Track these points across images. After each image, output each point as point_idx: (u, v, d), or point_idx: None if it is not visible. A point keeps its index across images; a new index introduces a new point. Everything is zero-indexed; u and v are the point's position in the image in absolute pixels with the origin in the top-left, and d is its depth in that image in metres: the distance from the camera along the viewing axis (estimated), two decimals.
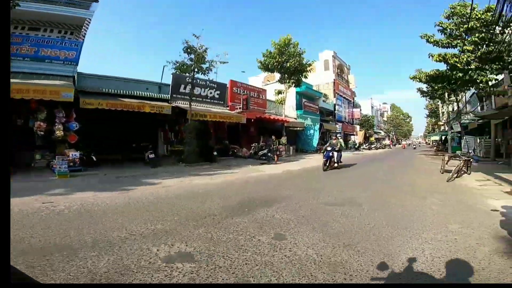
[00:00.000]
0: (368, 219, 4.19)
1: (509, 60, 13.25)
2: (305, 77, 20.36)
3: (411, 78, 18.27)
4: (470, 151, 24.79)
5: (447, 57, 14.74)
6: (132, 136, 12.91)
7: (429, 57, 15.82)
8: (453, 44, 14.94)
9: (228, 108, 17.84)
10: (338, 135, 19.11)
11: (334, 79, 35.02)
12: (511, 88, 14.27)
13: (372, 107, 59.66)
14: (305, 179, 8.78)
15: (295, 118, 25.45)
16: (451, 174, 8.42)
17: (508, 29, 12.97)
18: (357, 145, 34.11)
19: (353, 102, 43.09)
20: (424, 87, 27.30)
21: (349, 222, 4.05)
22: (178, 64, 12.42)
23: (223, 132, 18.17)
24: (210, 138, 15.71)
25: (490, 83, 15.20)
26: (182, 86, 14.71)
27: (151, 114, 11.81)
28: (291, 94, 26.27)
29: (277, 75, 21.63)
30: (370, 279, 2.36)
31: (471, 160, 8.25)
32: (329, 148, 10.98)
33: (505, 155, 15.16)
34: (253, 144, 16.67)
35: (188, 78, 13.78)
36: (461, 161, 8.84)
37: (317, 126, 23.36)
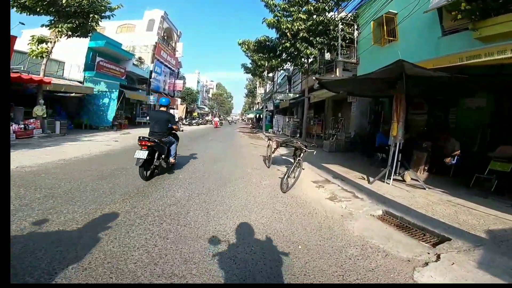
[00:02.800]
0: None
1: (331, 36, 12.79)
2: (97, 23, 12.24)
3: (240, 44, 15.41)
4: (279, 130, 27.37)
5: (281, 21, 12.69)
6: None
7: (262, 22, 13.26)
8: (289, 10, 12.98)
9: None
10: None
11: (157, 42, 27.97)
12: (323, 69, 14.33)
13: (198, 82, 57.51)
14: None
15: (79, 82, 16.74)
16: (284, 177, 5.12)
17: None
18: (176, 119, 29.66)
19: (178, 72, 37.97)
20: (248, 63, 26.77)
21: None
22: None
23: None
24: None
25: (310, 60, 14.67)
26: None
27: None
28: (78, 50, 17.15)
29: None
30: None
31: (305, 149, 5.31)
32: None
33: (305, 134, 15.62)
34: None
35: None
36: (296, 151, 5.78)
37: (115, 94, 16.22)
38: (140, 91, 23.33)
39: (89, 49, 17.50)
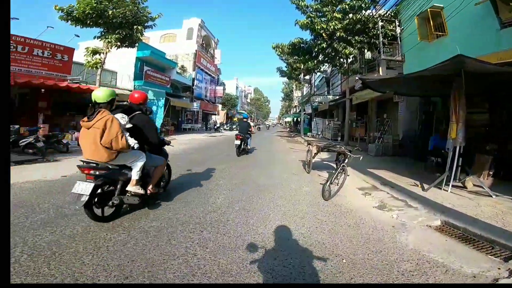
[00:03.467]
0: None
1: (370, 34, 12.13)
2: (141, 33, 13.28)
3: (274, 48, 15.43)
4: (319, 133, 26.58)
5: (315, 21, 12.36)
6: None
7: (295, 24, 13.14)
8: (323, 10, 12.66)
9: None
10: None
11: (197, 50, 29.45)
12: (364, 68, 13.59)
13: (237, 88, 58.97)
14: None
15: (130, 91, 18.24)
16: (326, 183, 4.82)
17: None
18: (218, 125, 30.56)
19: (217, 79, 39.39)
20: (284, 66, 26.66)
21: None
22: None
23: None
24: None
25: (349, 60, 14.08)
26: None
27: None
28: (128, 60, 18.85)
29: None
30: None
31: (350, 154, 4.95)
32: None
33: (347, 137, 14.78)
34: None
35: None
36: (340, 156, 5.45)
37: (162, 102, 17.34)
38: (184, 98, 24.66)
39: (137, 59, 19.06)
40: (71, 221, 3.22)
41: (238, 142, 9.37)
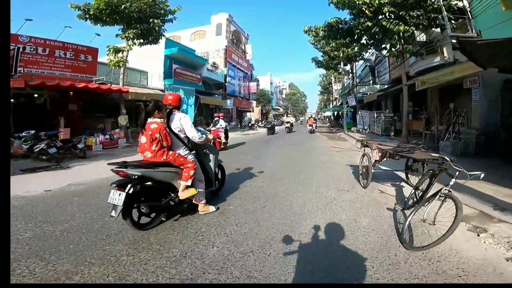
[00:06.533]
0: None
1: (429, 8, 9.48)
2: (159, 27, 12.40)
3: (306, 32, 13.32)
4: (365, 128, 23.56)
5: None
6: None
7: (329, 4, 11.02)
8: None
9: None
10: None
11: (227, 46, 28.42)
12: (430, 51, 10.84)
13: (271, 83, 57.15)
14: None
15: (161, 91, 17.70)
16: (405, 215, 2.86)
17: None
18: (252, 122, 29.05)
19: (251, 75, 38.07)
20: (319, 56, 24.12)
21: None
22: None
23: None
24: None
25: (402, 40, 11.43)
26: None
27: None
28: (158, 60, 18.38)
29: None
30: None
31: (455, 167, 2.72)
32: None
33: (406, 132, 11.95)
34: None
35: None
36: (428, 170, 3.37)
37: (192, 100, 16.41)
38: (216, 96, 23.69)
39: (165, 57, 18.43)
40: None
41: None
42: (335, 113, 39.61)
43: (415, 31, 11.28)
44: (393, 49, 11.51)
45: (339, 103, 38.71)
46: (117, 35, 12.24)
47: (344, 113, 23.22)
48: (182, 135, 3.24)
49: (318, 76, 56.38)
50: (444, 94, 13.80)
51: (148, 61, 18.39)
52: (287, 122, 22.63)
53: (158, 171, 2.98)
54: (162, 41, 18.53)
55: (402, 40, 10.87)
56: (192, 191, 3.14)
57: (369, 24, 10.45)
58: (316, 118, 44.09)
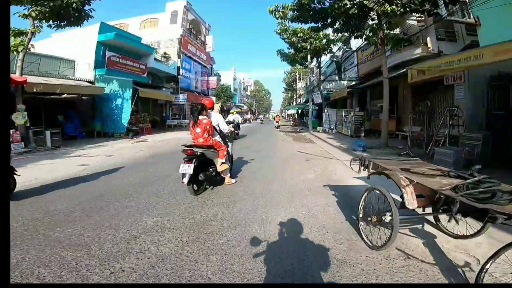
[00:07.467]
0: None
1: None
2: (76, 4, 9.17)
3: (271, 12, 11.06)
4: (331, 127, 22.24)
5: None
6: None
7: None
8: None
9: None
10: None
11: (182, 35, 25.06)
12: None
13: (234, 79, 54.51)
14: None
15: (90, 82, 14.16)
16: None
17: None
18: None
19: (211, 69, 35.03)
20: (285, 48, 22.32)
21: None
22: None
23: None
24: None
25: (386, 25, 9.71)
26: None
27: None
28: (89, 46, 14.86)
29: None
30: None
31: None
32: None
33: (386, 135, 10.36)
34: None
35: None
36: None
37: (129, 93, 13.16)
38: (164, 89, 20.39)
39: (98, 44, 14.88)
40: None
41: None
42: (299, 111, 38.52)
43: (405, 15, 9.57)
44: (372, 35, 9.73)
45: (304, 100, 37.67)
46: (16, 14, 8.90)
47: (310, 111, 21.66)
48: (217, 128, 4.67)
49: (283, 72, 55.37)
50: (417, 91, 12.69)
51: (77, 49, 14.77)
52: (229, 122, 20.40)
53: (208, 151, 4.37)
54: (96, 27, 15.08)
55: (385, 25, 9.18)
56: (225, 166, 4.61)
57: (347, 4, 8.54)
58: (280, 116, 42.65)
